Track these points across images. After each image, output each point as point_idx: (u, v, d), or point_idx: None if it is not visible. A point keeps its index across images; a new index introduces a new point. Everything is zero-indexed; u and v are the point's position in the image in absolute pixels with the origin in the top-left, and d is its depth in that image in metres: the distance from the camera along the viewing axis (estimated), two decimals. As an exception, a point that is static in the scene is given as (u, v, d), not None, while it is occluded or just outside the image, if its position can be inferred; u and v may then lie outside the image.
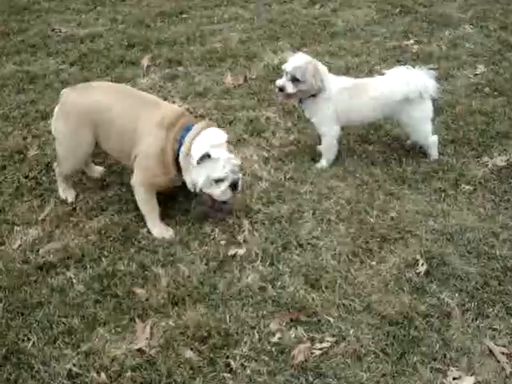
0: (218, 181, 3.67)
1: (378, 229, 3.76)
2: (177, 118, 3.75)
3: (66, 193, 4.15)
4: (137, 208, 3.92)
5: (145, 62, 6.19)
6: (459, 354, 2.99)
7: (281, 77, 4.25)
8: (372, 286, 3.38)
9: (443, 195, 4.07)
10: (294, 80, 4.15)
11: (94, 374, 2.93)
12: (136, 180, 3.78)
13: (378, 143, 4.67)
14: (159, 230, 3.81)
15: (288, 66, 4.18)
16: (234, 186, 3.73)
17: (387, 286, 3.37)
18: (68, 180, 4.17)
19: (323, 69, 4.25)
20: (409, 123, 4.33)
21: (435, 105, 4.38)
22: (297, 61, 4.19)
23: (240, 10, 7.57)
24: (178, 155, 3.67)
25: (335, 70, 5.26)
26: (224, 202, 3.84)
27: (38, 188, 4.30)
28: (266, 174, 4.34)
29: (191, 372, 2.93)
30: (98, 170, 4.42)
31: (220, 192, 3.71)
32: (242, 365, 2.96)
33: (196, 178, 3.68)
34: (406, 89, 4.12)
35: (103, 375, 2.92)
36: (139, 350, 3.05)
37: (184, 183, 3.80)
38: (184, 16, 7.52)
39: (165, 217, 3.88)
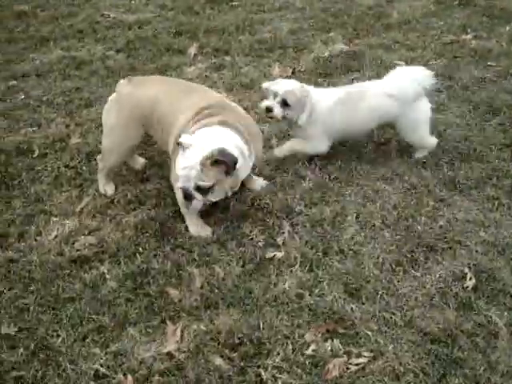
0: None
1: (425, 237, 3.55)
2: (201, 108, 3.55)
3: (106, 187, 4.08)
4: (175, 203, 3.82)
5: (192, 50, 6.10)
6: (504, 379, 2.78)
7: (267, 97, 4.03)
8: (415, 299, 3.18)
9: (496, 203, 3.81)
10: (285, 104, 3.95)
11: (121, 376, 2.86)
12: (174, 177, 3.65)
13: (429, 144, 4.42)
14: (197, 227, 3.69)
15: (279, 89, 3.95)
16: (184, 195, 3.42)
17: (431, 300, 3.17)
18: (109, 175, 4.08)
19: (308, 90, 4.04)
20: (407, 125, 4.08)
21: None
22: (289, 85, 3.98)
23: (292, -1, 7.38)
24: None
25: (389, 64, 5.07)
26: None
27: (78, 178, 4.25)
28: (310, 173, 4.15)
29: (220, 381, 2.82)
30: (139, 162, 4.33)
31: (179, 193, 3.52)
32: (274, 376, 2.83)
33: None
34: (416, 85, 3.91)
35: (130, 378, 2.85)
36: (168, 353, 2.96)
37: None
38: (234, 3, 7.39)
39: (203, 215, 3.74)
